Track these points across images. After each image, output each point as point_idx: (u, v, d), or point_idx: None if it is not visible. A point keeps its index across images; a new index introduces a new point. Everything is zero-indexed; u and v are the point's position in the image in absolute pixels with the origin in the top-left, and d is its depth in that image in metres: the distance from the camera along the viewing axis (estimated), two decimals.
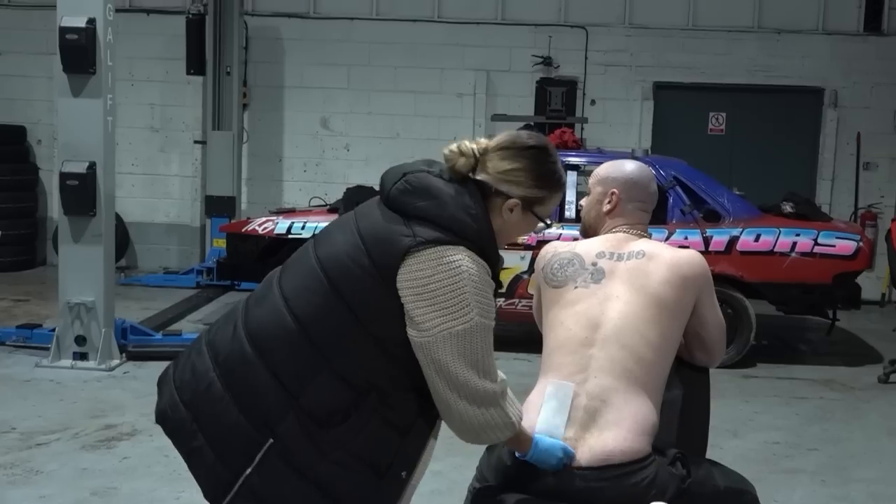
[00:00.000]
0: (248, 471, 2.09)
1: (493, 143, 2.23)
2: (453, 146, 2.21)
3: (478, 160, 2.20)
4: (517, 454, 2.35)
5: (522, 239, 6.97)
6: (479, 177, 2.19)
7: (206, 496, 2.19)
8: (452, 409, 2.13)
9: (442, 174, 2.18)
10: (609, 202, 2.72)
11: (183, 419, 2.18)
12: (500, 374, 2.20)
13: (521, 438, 2.29)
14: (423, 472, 2.30)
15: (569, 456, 2.35)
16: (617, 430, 2.38)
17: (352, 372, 2.10)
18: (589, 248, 2.66)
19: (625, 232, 2.70)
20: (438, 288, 2.07)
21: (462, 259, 2.09)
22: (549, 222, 2.31)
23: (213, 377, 2.16)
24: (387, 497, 2.18)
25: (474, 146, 2.21)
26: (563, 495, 2.35)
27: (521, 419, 2.23)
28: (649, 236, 2.75)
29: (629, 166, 2.78)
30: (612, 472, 2.34)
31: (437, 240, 2.08)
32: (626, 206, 2.71)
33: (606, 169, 2.78)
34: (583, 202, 2.82)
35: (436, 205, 2.12)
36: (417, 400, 2.17)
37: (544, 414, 2.42)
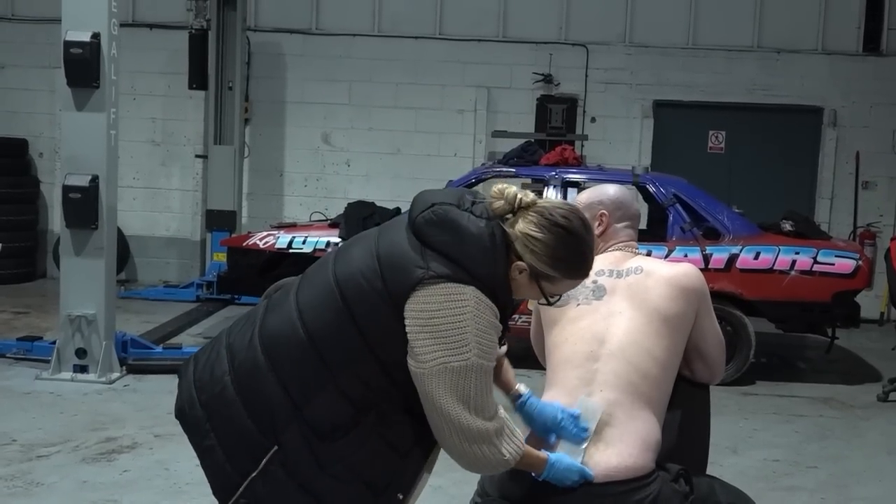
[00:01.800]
0: (254, 475, 2.16)
1: (538, 202, 2.22)
2: (502, 186, 2.23)
3: (515, 211, 2.20)
4: (533, 474, 2.35)
5: None
6: (507, 226, 2.19)
7: (215, 493, 2.27)
8: (446, 442, 2.17)
9: (472, 210, 2.17)
10: (599, 224, 2.76)
11: (198, 418, 2.25)
12: (500, 411, 2.20)
13: (530, 463, 2.29)
14: (416, 500, 2.33)
15: (585, 478, 2.34)
16: (621, 446, 2.39)
17: (354, 389, 2.14)
18: None
19: (620, 250, 2.74)
20: (442, 322, 2.09)
21: (469, 298, 2.10)
22: (552, 302, 2.27)
23: (228, 381, 2.23)
24: None
25: (520, 196, 2.21)
26: None
27: (520, 453, 2.21)
28: (642, 253, 2.79)
29: (611, 189, 2.85)
30: (616, 489, 2.35)
31: (449, 276, 2.10)
32: (615, 227, 2.77)
33: (589, 195, 2.84)
34: None
35: (455, 241, 2.13)
36: (414, 425, 2.21)
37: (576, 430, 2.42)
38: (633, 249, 2.76)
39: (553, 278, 2.21)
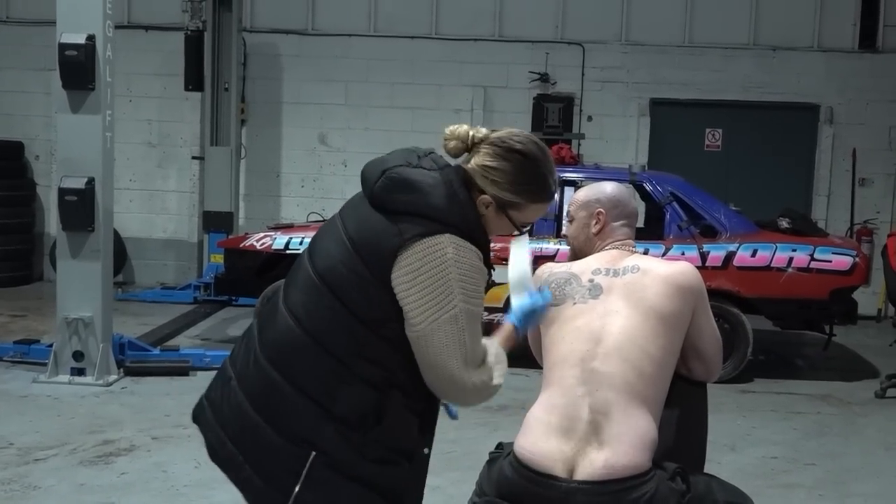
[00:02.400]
0: (297, 488, 2.13)
1: (490, 135, 2.23)
2: (453, 126, 2.24)
3: (469, 148, 2.22)
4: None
5: None
6: (465, 165, 2.22)
7: None
8: (444, 396, 2.22)
9: (422, 164, 2.20)
10: (597, 222, 2.76)
11: (231, 452, 2.22)
12: (485, 346, 2.22)
13: (510, 346, 2.34)
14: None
15: (545, 298, 2.40)
16: (619, 445, 2.39)
17: (371, 373, 2.15)
18: (584, 266, 2.71)
19: (617, 249, 2.74)
20: (426, 279, 2.10)
21: (447, 246, 2.11)
22: (523, 230, 2.29)
23: (247, 407, 2.21)
24: (418, 475, 2.28)
25: (472, 132, 2.22)
26: None
27: (505, 366, 2.25)
28: (639, 252, 2.79)
29: (608, 187, 2.84)
30: (613, 487, 2.35)
31: (423, 232, 2.11)
32: (612, 225, 2.76)
33: (586, 193, 2.84)
34: (568, 231, 2.87)
35: (417, 197, 2.14)
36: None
37: (512, 270, 2.42)
38: (630, 248, 2.76)
39: (519, 205, 2.22)
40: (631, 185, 7.23)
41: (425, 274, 2.10)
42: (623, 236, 2.77)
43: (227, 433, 2.23)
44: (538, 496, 2.40)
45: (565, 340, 2.57)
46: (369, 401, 2.14)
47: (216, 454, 2.27)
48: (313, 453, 2.13)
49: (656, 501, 2.35)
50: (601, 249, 2.75)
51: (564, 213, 6.94)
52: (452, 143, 2.21)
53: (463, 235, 2.14)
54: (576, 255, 2.83)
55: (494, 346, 2.27)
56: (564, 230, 2.88)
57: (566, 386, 2.50)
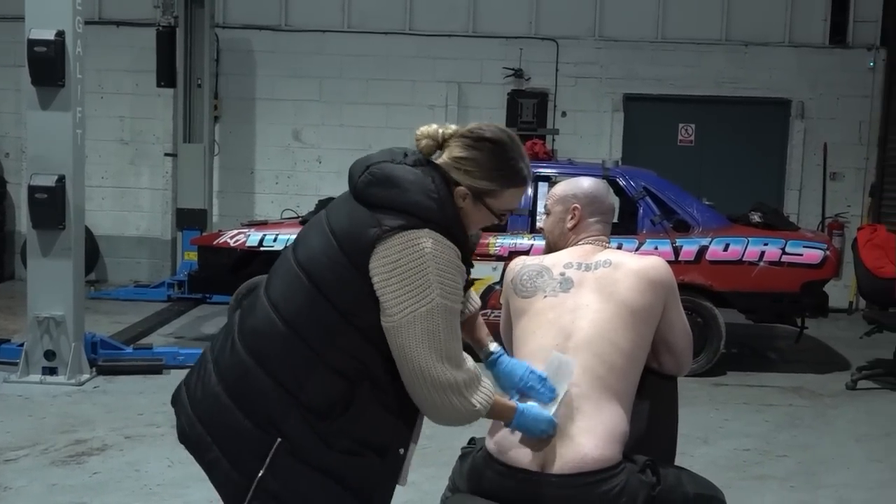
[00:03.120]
0: (262, 472, 2.16)
1: (459, 129, 2.28)
2: (424, 126, 2.29)
3: (441, 144, 2.26)
4: (505, 424, 2.40)
5: (495, 249, 7.03)
6: (438, 160, 2.26)
7: None
8: (418, 395, 2.19)
9: (406, 161, 2.24)
10: (572, 218, 2.78)
11: (199, 434, 2.26)
12: (469, 361, 2.23)
13: (500, 412, 2.33)
14: (418, 441, 2.37)
15: (554, 427, 2.38)
16: (588, 438, 2.40)
17: (343, 364, 2.17)
18: (557, 259, 2.72)
19: (591, 244, 2.75)
20: (404, 271, 2.12)
21: (426, 241, 2.14)
22: (502, 218, 2.32)
23: (219, 390, 2.24)
24: (390, 474, 2.27)
25: (441, 130, 2.27)
26: (535, 503, 2.37)
27: (489, 402, 2.25)
28: (612, 247, 2.80)
29: (586, 182, 2.86)
30: (583, 480, 2.36)
31: (402, 226, 2.14)
32: (588, 221, 2.78)
33: (563, 188, 2.86)
34: (543, 223, 2.89)
35: (398, 192, 2.17)
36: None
37: (553, 381, 2.44)
38: (604, 244, 2.77)
39: (494, 192, 2.26)
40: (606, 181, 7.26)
41: (403, 266, 2.12)
42: (597, 232, 2.78)
43: (198, 414, 2.27)
44: (510, 490, 2.41)
45: (535, 335, 2.58)
46: (339, 391, 2.16)
47: (185, 435, 2.30)
48: (279, 439, 2.15)
49: (626, 494, 2.37)
50: (575, 244, 2.76)
51: (540, 208, 7.02)
52: (424, 142, 2.25)
53: (442, 231, 2.17)
54: (550, 248, 2.84)
55: (490, 383, 2.30)
56: (540, 223, 2.89)
57: None
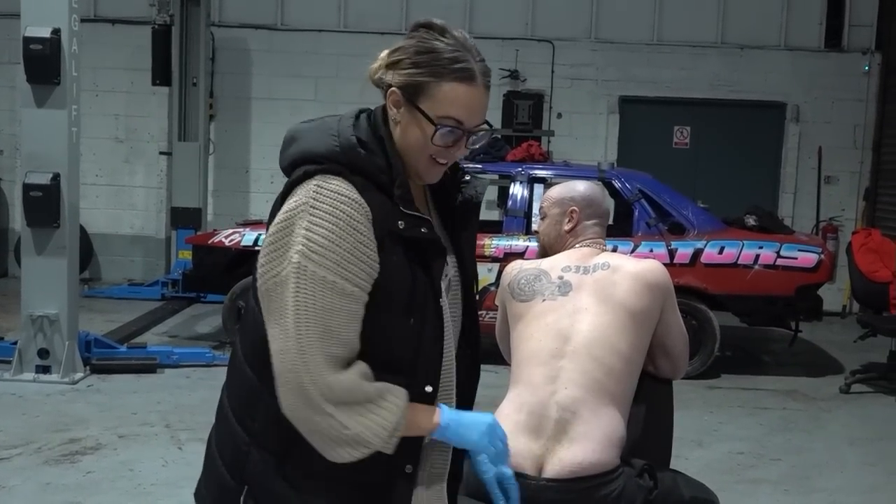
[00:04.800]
0: None
1: None
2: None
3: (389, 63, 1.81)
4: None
5: (490, 251, 7.03)
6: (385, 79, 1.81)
7: None
8: (279, 400, 1.70)
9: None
10: (569, 220, 2.77)
11: (199, 482, 1.98)
12: (358, 368, 1.70)
13: (417, 425, 1.77)
14: (446, 455, 1.89)
15: (498, 436, 1.88)
16: (587, 443, 2.40)
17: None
18: (554, 263, 2.71)
19: (588, 247, 2.75)
20: (273, 231, 1.71)
21: (308, 188, 1.70)
22: (436, 126, 1.75)
23: (211, 435, 1.97)
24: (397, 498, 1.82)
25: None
26: None
27: (387, 428, 1.70)
28: (608, 250, 2.80)
29: (582, 186, 2.85)
30: (582, 485, 2.36)
31: (295, 180, 1.74)
32: (585, 224, 2.77)
33: (560, 191, 2.84)
34: (538, 227, 2.86)
35: (294, 146, 1.80)
36: None
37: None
38: (601, 246, 2.77)
39: (425, 86, 1.74)
40: (601, 183, 7.28)
41: (275, 225, 1.71)
42: (594, 235, 2.78)
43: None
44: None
45: (534, 338, 2.57)
46: (286, 425, 1.73)
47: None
48: (245, 487, 1.80)
49: (624, 499, 2.37)
50: (572, 247, 2.76)
51: (536, 210, 7.02)
52: (374, 67, 1.83)
53: (347, 175, 1.71)
54: (546, 251, 2.83)
55: (399, 396, 1.72)
56: (535, 226, 2.86)
57: (535, 384, 2.51)
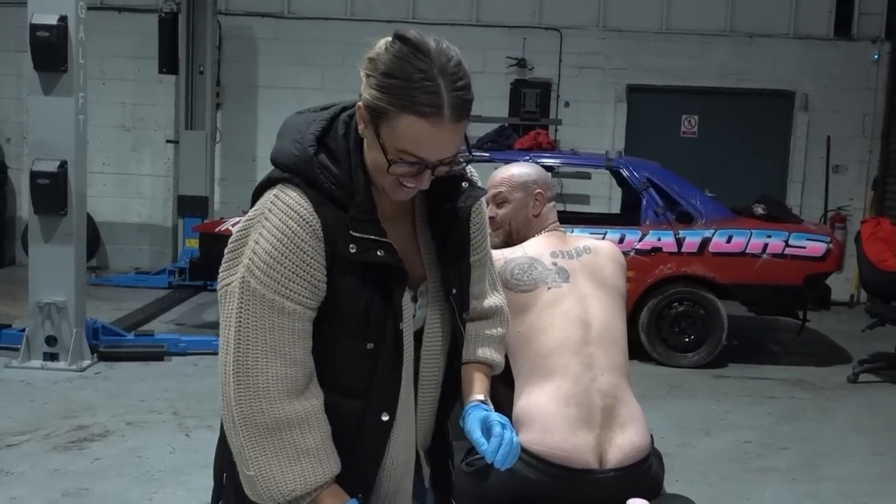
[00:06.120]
0: None
1: None
2: None
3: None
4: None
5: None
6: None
7: None
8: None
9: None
10: (537, 203, 2.67)
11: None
12: (305, 402, 1.60)
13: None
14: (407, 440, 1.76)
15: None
16: (635, 426, 2.42)
17: None
18: (539, 249, 2.61)
19: (556, 230, 2.69)
20: (233, 238, 1.68)
21: (268, 197, 1.63)
22: (390, 160, 1.58)
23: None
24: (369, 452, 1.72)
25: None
26: (603, 499, 2.33)
27: (305, 487, 1.59)
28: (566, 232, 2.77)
29: (531, 167, 2.74)
30: (640, 468, 2.40)
31: (261, 185, 1.69)
32: (548, 206, 2.70)
33: (516, 174, 2.69)
34: (499, 212, 2.68)
35: (276, 143, 1.71)
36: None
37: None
38: (561, 229, 2.73)
39: (386, 114, 1.57)
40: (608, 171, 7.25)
41: (237, 232, 1.67)
42: (555, 216, 2.72)
43: None
44: (571, 492, 2.33)
45: (554, 327, 2.48)
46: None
47: None
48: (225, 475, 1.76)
49: (659, 475, 2.46)
50: (540, 232, 2.66)
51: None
52: (361, 64, 1.68)
53: (304, 187, 1.61)
54: (510, 238, 2.68)
55: (321, 472, 1.60)
56: (491, 213, 2.62)
57: (573, 374, 2.43)
